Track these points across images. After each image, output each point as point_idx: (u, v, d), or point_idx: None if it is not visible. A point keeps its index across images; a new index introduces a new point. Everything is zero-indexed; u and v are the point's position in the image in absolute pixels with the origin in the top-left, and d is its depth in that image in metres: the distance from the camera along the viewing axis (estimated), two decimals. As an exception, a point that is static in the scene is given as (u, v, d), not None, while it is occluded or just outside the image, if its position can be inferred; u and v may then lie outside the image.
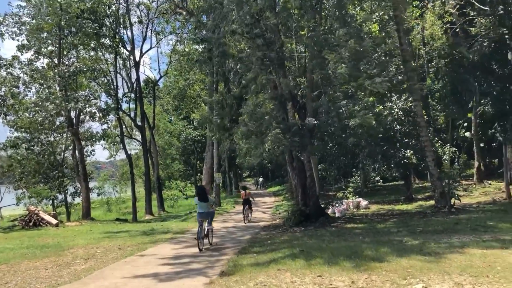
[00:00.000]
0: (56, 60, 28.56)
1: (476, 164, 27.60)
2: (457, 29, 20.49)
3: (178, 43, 44.91)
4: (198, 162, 64.03)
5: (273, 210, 26.36)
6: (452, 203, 16.81)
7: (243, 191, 21.49)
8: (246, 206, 20.14)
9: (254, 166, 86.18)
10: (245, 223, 19.54)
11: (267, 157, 16.52)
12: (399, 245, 10.15)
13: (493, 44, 16.58)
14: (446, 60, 16.60)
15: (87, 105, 29.34)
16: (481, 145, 28.47)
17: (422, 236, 11.57)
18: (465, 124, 30.49)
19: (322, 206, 17.49)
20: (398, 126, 22.12)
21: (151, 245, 13.63)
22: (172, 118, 64.11)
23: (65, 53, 30.46)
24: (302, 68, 17.38)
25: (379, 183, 40.38)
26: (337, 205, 18.24)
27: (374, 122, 14.36)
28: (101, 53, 34.72)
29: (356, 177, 40.53)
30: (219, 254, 11.38)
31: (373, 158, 23.68)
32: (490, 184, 27.01)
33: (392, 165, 22.90)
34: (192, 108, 61.87)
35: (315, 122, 15.42)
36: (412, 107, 22.61)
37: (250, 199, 20.56)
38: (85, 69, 27.80)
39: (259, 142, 16.12)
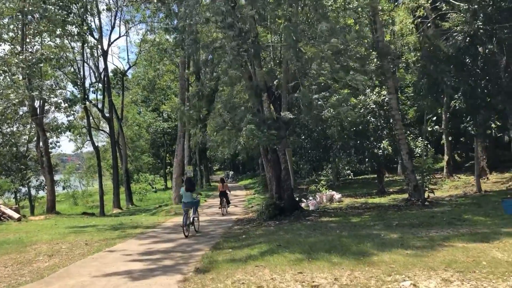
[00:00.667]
0: (18, 48, 27.22)
1: (446, 158, 27.96)
2: (429, 24, 20.51)
3: (148, 33, 43.89)
4: (167, 155, 63.08)
5: (246, 204, 26.00)
6: (426, 197, 16.82)
7: (221, 183, 21.34)
8: (223, 199, 20.24)
9: (225, 160, 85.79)
10: (222, 214, 19.80)
11: (241, 150, 16.01)
12: (378, 239, 9.93)
13: (467, 38, 16.60)
14: (419, 54, 16.58)
15: (52, 95, 28.11)
16: (449, 139, 28.88)
17: (399, 230, 11.41)
18: (434, 118, 30.89)
19: (297, 199, 17.21)
20: (372, 119, 22.06)
21: (120, 240, 13.03)
22: (141, 110, 62.79)
23: (28, 40, 29.09)
24: (278, 59, 16.98)
25: (350, 177, 40.66)
26: (311, 198, 18.01)
27: (355, 115, 14.16)
28: (67, 41, 33.42)
29: (328, 170, 40.74)
30: (192, 250, 10.92)
31: (346, 151, 23.58)
32: (459, 178, 27.44)
33: (365, 158, 22.84)
34: (162, 100, 60.81)
35: (290, 116, 15.08)
36: (386, 100, 22.68)
37: (227, 191, 20.75)
38: (52, 56, 26.56)
39: (233, 134, 15.68)
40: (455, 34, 17.39)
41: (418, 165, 19.57)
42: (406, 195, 21.14)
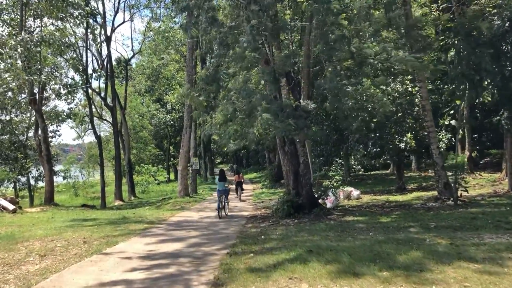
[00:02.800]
0: (17, 29, 25.73)
1: (467, 154, 26.43)
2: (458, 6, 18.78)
3: (153, 20, 42.38)
4: (171, 147, 61.70)
5: (254, 199, 24.56)
6: (458, 195, 15.31)
7: (237, 175, 25.33)
8: (238, 188, 23.14)
9: (228, 153, 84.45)
10: (240, 200, 22.20)
11: (254, 141, 14.51)
12: (425, 245, 8.44)
13: (507, 23, 14.99)
14: (459, 38, 14.96)
15: (52, 80, 26.66)
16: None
17: (444, 234, 9.92)
18: (451, 112, 29.29)
19: (316, 196, 15.73)
20: (394, 109, 20.49)
21: (123, 238, 11.58)
22: (144, 101, 61.29)
23: (28, 25, 27.61)
24: (298, 41, 15.45)
25: (360, 172, 39.21)
26: (330, 194, 16.54)
27: (389, 105, 12.68)
28: (69, 26, 31.90)
29: (337, 165, 39.23)
30: (204, 253, 9.46)
31: (365, 144, 22.02)
32: (481, 175, 25.94)
33: (384, 152, 21.30)
34: (166, 91, 59.30)
35: (312, 104, 13.57)
36: (409, 89, 21.15)
37: (242, 180, 24.19)
38: (52, 38, 25.04)
39: (246, 124, 14.17)
40: (491, 18, 15.77)
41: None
42: (429, 193, 19.77)
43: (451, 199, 15.39)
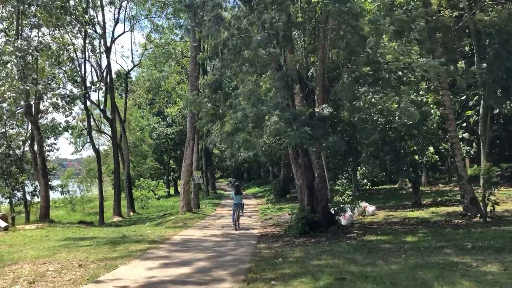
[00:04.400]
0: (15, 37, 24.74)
1: (484, 167, 25.20)
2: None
3: (153, 32, 41.60)
4: (171, 161, 60.48)
5: (260, 215, 23.32)
6: (488, 211, 14.08)
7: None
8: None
9: (228, 167, 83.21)
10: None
11: (266, 151, 13.36)
12: (472, 272, 7.26)
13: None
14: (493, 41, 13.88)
15: (49, 90, 25.60)
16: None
17: (484, 256, 8.75)
18: (464, 124, 28.26)
19: (332, 212, 14.51)
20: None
21: (123, 261, 10.35)
22: (144, 114, 60.22)
23: (24, 34, 26.64)
24: (312, 45, 14.39)
25: (367, 187, 38.00)
26: (348, 210, 15.29)
27: (417, 115, 11.58)
28: (67, 37, 30.95)
29: (343, 179, 37.96)
30: (213, 280, 8.25)
31: (379, 158, 20.83)
32: (499, 189, 24.72)
33: (403, 167, 20.10)
34: (166, 104, 58.30)
35: (330, 110, 12.46)
36: (424, 99, 20.09)
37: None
38: (50, 44, 24.02)
39: (257, 134, 13.02)
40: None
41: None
42: (448, 208, 18.59)
43: (479, 215, 14.20)
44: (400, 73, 13.10)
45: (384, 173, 24.78)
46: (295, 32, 14.21)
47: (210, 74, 14.75)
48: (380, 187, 37.60)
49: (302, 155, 14.09)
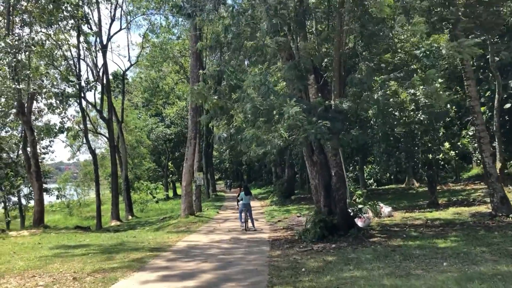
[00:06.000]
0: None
1: (498, 165, 24.08)
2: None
3: (149, 30, 40.40)
4: (169, 163, 59.21)
5: (268, 218, 22.08)
6: (521, 211, 12.95)
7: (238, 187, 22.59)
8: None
9: (227, 168, 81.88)
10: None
11: (278, 148, 12.12)
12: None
13: None
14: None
15: (43, 89, 24.34)
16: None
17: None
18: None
19: (351, 214, 13.29)
20: (422, 116, 18.23)
21: (122, 274, 9.12)
22: (141, 115, 58.93)
23: (15, 33, 25.41)
24: (326, 31, 13.17)
25: (373, 187, 36.86)
26: (369, 212, 14.10)
27: (447, 98, 10.40)
28: (62, 36, 29.68)
29: (349, 179, 36.86)
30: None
31: (391, 155, 19.64)
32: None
33: (418, 165, 18.94)
34: (164, 104, 57.01)
35: (349, 103, 11.29)
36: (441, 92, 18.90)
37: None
38: (43, 41, 22.77)
39: (271, 128, 11.79)
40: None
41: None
42: (469, 208, 17.44)
43: (511, 215, 13.04)
44: (425, 59, 11.91)
45: (398, 171, 23.53)
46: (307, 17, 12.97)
47: (214, 64, 13.47)
48: (386, 187, 36.45)
49: (318, 152, 12.87)
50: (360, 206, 13.72)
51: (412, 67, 12.80)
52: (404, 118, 15.84)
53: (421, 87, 11.75)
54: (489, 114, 25.70)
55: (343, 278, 7.63)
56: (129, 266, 9.97)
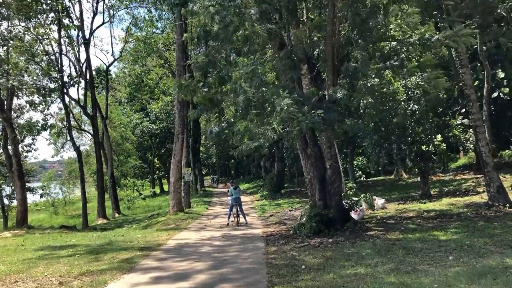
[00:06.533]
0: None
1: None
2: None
3: (132, 25, 39.59)
4: (155, 159, 58.43)
5: (258, 212, 21.69)
6: (517, 200, 12.72)
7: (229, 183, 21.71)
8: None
9: (214, 163, 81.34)
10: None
11: (272, 141, 11.65)
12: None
13: None
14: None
15: (24, 85, 23.53)
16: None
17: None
18: (463, 111, 27.16)
19: (347, 207, 12.92)
20: (415, 106, 17.96)
21: (112, 277, 8.60)
22: (125, 111, 57.93)
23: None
24: (318, 18, 12.72)
25: (362, 179, 36.71)
26: (363, 205, 13.75)
27: (446, 84, 10.05)
28: (42, 29, 28.76)
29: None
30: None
31: (382, 147, 19.33)
32: (505, 177, 23.53)
33: (409, 156, 18.68)
34: (149, 100, 56.14)
35: (343, 92, 10.87)
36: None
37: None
38: (21, 35, 21.94)
39: (261, 120, 11.33)
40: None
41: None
42: (463, 199, 17.24)
43: (508, 205, 12.81)
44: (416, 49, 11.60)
45: (389, 163, 23.27)
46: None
47: (202, 54, 12.89)
48: (375, 178, 36.33)
49: (312, 145, 12.46)
50: (355, 198, 13.33)
51: (402, 56, 12.45)
52: (399, 108, 15.56)
53: (418, 74, 11.39)
54: (478, 104, 25.69)
55: (347, 276, 7.25)
56: (118, 268, 9.47)
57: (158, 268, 9.50)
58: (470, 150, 23.21)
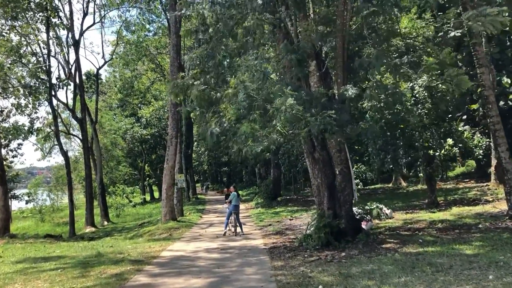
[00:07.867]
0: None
1: (494, 162, 23.14)
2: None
3: (124, 28, 38.57)
4: (146, 166, 57.03)
5: (256, 221, 20.59)
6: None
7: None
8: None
9: (206, 170, 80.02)
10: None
11: (277, 144, 10.59)
12: None
13: None
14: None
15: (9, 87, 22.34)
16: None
17: None
18: (464, 117, 26.36)
19: (358, 217, 11.88)
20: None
21: (98, 297, 7.48)
22: (116, 117, 56.58)
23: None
24: (326, 10, 11.76)
25: (359, 186, 35.74)
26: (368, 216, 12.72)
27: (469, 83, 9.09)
28: (29, 28, 27.61)
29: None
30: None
31: (387, 152, 18.34)
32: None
33: (416, 162, 17.73)
34: (140, 105, 54.91)
35: (355, 91, 9.88)
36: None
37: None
38: (7, 36, 20.79)
39: (265, 121, 10.29)
40: None
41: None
42: (475, 208, 16.35)
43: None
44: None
45: (393, 169, 22.32)
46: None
47: (200, 48, 11.79)
48: (372, 187, 35.42)
49: (320, 149, 11.40)
50: (367, 207, 12.30)
51: (419, 52, 11.52)
52: (416, 109, 14.65)
53: (435, 72, 10.46)
54: (483, 111, 24.84)
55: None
56: (106, 285, 8.34)
57: (151, 285, 8.39)
58: (481, 156, 22.29)
